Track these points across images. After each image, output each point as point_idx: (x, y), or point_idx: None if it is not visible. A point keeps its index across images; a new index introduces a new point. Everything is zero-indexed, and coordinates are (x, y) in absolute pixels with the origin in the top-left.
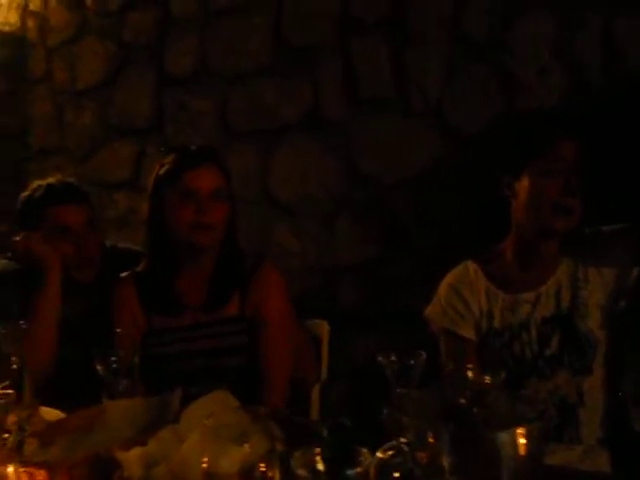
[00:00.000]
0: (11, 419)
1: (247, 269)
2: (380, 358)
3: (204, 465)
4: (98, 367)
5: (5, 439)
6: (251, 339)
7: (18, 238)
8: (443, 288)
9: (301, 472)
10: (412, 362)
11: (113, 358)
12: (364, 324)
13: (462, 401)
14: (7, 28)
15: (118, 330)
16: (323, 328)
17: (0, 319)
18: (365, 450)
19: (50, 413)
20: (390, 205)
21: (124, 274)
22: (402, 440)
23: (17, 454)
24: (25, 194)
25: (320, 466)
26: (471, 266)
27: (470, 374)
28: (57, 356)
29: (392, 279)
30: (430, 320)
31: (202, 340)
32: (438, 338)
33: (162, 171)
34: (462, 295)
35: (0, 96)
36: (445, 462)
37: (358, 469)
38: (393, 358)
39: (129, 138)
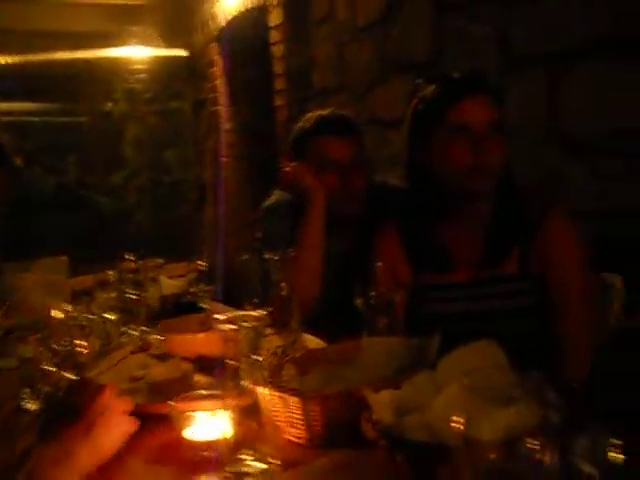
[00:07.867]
0: (277, 342)
1: (532, 217)
2: None
3: (460, 427)
4: (358, 302)
5: (260, 362)
6: (539, 300)
7: (288, 169)
8: None
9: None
10: None
11: (372, 294)
12: None
13: None
14: None
15: (379, 264)
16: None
17: (272, 248)
18: None
19: (312, 341)
20: None
21: (388, 220)
22: None
23: (276, 377)
24: (297, 125)
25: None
26: None
27: None
28: (322, 287)
29: None
30: None
31: (483, 300)
32: None
33: (421, 106)
34: None
35: (288, 38)
36: None
37: None
38: None
39: (406, 74)
